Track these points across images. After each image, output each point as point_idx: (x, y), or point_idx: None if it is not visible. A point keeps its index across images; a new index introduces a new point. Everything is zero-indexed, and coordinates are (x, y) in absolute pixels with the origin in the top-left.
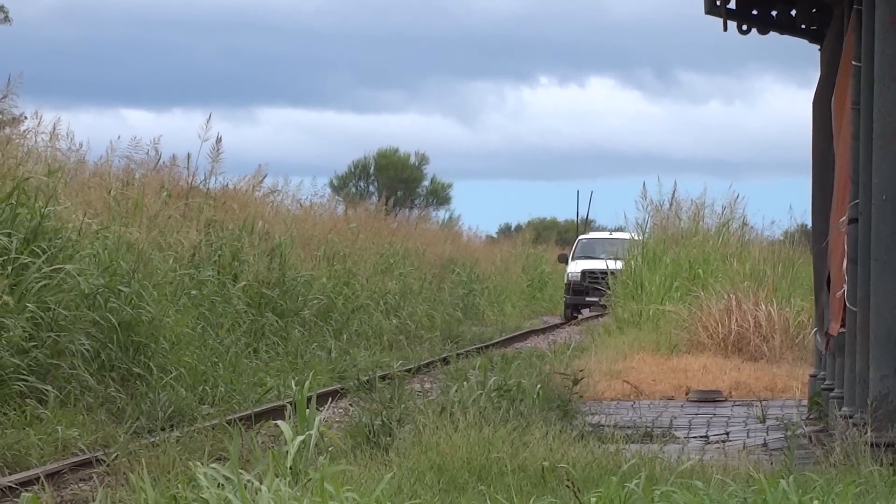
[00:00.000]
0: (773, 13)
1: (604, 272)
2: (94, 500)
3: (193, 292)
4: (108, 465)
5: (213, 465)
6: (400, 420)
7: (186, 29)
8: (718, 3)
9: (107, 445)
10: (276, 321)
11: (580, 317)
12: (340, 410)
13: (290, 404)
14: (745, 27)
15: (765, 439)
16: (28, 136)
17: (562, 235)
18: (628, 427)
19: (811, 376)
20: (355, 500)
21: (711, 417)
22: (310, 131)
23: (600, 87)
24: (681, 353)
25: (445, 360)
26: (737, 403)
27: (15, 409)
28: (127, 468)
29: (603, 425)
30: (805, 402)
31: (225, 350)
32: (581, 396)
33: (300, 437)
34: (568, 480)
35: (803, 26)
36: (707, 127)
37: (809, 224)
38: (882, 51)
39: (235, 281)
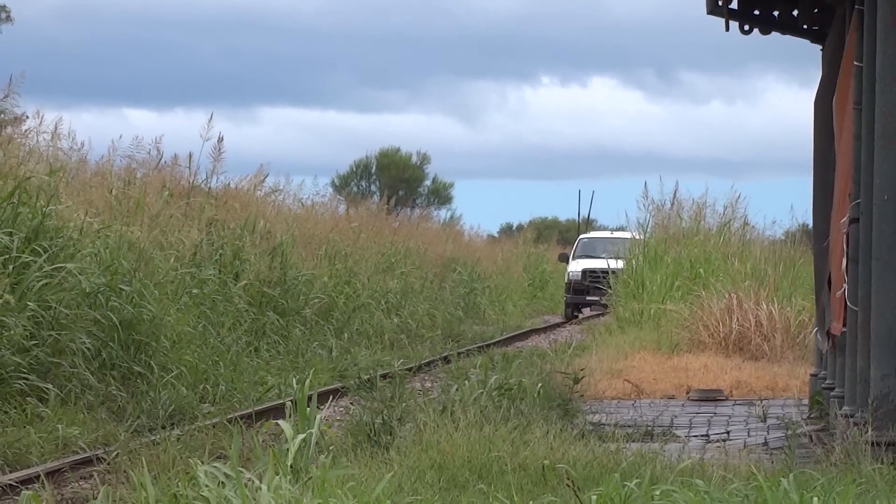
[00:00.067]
0: (775, 13)
1: (604, 271)
2: (95, 499)
3: (195, 291)
4: (108, 464)
5: (213, 463)
6: (401, 419)
7: (188, 29)
8: (720, 3)
9: (107, 444)
10: (278, 320)
11: (581, 316)
12: (341, 409)
13: (291, 403)
14: (746, 27)
15: (765, 438)
16: (30, 136)
17: (563, 235)
18: (629, 426)
19: (812, 375)
20: (356, 498)
21: (712, 416)
22: (311, 131)
23: (602, 87)
24: (682, 352)
25: (446, 359)
26: (738, 402)
27: (16, 408)
28: (127, 466)
29: (604, 424)
30: (806, 401)
31: (226, 349)
32: (582, 395)
33: (301, 436)
34: (568, 479)
35: (805, 26)
36: (709, 127)
37: (811, 224)
38: (884, 51)
39: (237, 280)
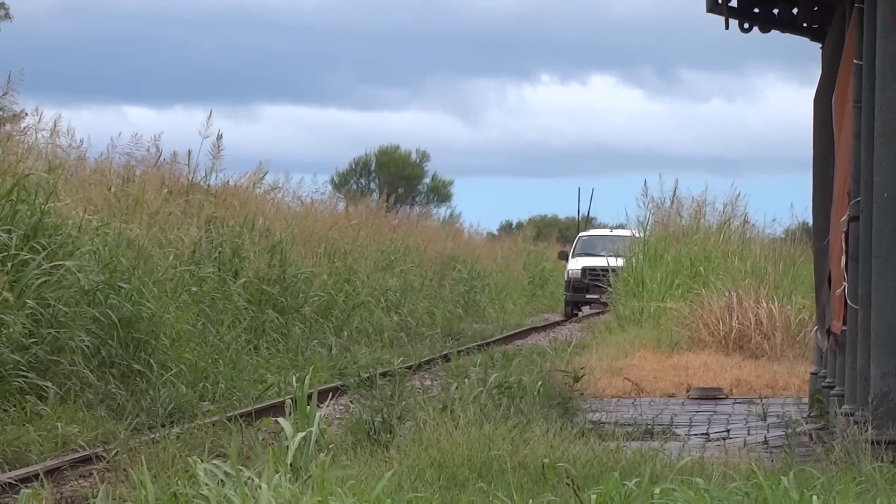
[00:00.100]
0: (775, 11)
1: (604, 269)
2: (94, 497)
3: (194, 289)
4: (108, 462)
5: (213, 461)
6: (400, 417)
7: (188, 26)
8: (720, 1)
9: (107, 442)
10: (277, 318)
11: (580, 314)
12: (341, 407)
13: (291, 401)
14: (746, 25)
15: (765, 437)
16: (28, 133)
17: (563, 233)
18: (629, 424)
19: (812, 374)
20: (355, 497)
21: (712, 415)
22: (311, 128)
23: (602, 85)
24: (682, 350)
25: (446, 358)
26: (737, 401)
27: (15, 406)
28: (127, 465)
29: (604, 422)
30: (806, 399)
31: (225, 347)
32: (582, 394)
33: (300, 434)
34: (568, 478)
35: (805, 24)
36: (708, 125)
37: (811, 222)
38: (883, 49)
39: (236, 278)
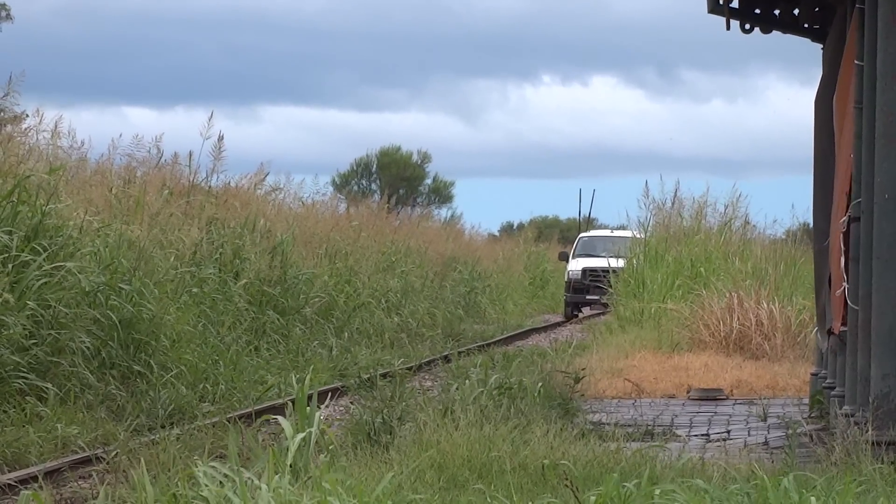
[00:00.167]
0: (776, 12)
1: (605, 270)
2: (93, 499)
3: (194, 290)
4: (107, 463)
5: (213, 462)
6: (401, 418)
7: (189, 27)
8: (721, 1)
9: (107, 443)
10: (278, 319)
11: (581, 315)
12: (341, 408)
13: (291, 402)
14: (747, 26)
15: (766, 438)
16: (30, 134)
17: (564, 234)
18: (629, 425)
19: (812, 375)
20: (355, 498)
21: (713, 416)
22: (312, 129)
23: (603, 86)
24: (682, 351)
25: (447, 359)
26: (738, 402)
27: (15, 407)
28: (127, 466)
29: (604, 423)
30: (806, 400)
31: (226, 348)
32: (582, 395)
33: (300, 435)
34: (567, 480)
35: (806, 25)
36: (710, 125)
37: (811, 223)
38: (884, 49)
39: (237, 279)
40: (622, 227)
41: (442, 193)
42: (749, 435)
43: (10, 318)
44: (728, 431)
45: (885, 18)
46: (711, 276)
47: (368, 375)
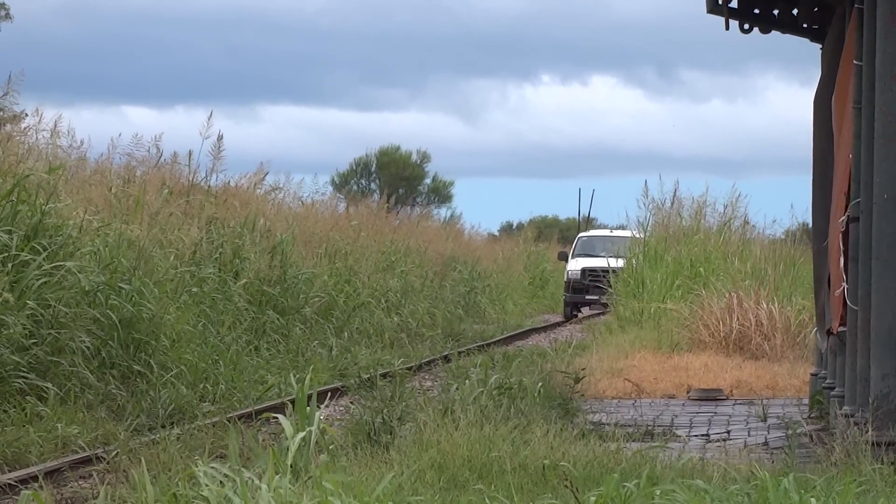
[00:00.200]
0: (775, 12)
1: (604, 270)
2: (94, 498)
3: (194, 290)
4: (108, 463)
5: (213, 462)
6: (401, 418)
7: (189, 26)
8: (720, 2)
9: (107, 443)
10: (277, 319)
11: (580, 315)
12: (341, 408)
13: (291, 402)
14: (746, 26)
15: (766, 438)
16: (29, 134)
17: (563, 234)
18: (629, 425)
19: (812, 375)
20: (356, 498)
21: (712, 416)
22: (311, 129)
23: (602, 86)
24: (682, 351)
25: (447, 359)
26: (738, 402)
27: (15, 407)
28: (127, 466)
29: (604, 423)
30: (806, 400)
31: (226, 347)
32: (582, 395)
33: (300, 435)
34: (567, 480)
35: (805, 25)
36: (709, 125)
37: (810, 223)
38: (883, 49)
39: (236, 278)
40: (621, 227)
41: (441, 193)
42: (749, 435)
43: (9, 317)
44: (728, 432)
45: (883, 18)
46: (711, 276)
47: (368, 375)
